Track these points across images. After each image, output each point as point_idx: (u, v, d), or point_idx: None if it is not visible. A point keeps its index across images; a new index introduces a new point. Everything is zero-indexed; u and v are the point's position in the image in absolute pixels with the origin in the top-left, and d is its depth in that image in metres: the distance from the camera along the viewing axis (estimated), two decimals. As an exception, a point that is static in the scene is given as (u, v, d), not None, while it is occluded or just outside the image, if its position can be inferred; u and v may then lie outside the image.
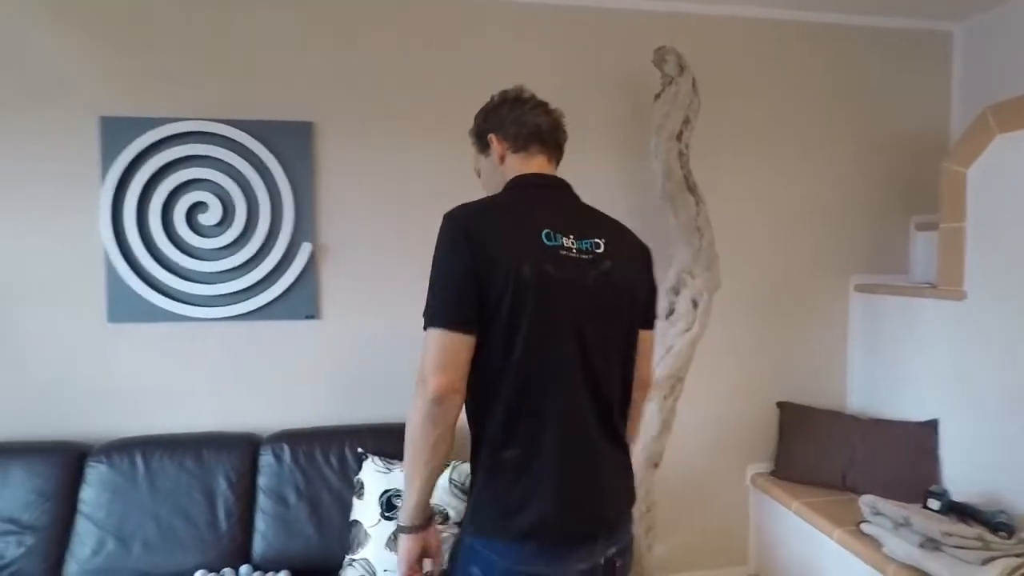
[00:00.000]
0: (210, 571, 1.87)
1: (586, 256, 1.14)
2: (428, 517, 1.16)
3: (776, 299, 2.52)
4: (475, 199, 1.20)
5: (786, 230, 2.51)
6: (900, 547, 1.83)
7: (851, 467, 2.31)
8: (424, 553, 1.16)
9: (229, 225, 2.13)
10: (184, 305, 2.12)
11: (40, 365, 2.09)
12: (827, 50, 2.51)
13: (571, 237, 1.14)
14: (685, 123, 2.08)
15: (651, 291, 1.30)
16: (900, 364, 2.38)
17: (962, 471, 2.14)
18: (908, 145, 2.57)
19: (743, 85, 2.45)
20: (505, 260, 1.07)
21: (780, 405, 2.52)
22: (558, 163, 1.31)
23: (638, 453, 2.16)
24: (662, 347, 2.12)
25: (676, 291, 2.12)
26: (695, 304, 2.10)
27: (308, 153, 2.18)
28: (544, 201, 1.21)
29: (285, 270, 2.16)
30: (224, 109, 2.14)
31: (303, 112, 2.18)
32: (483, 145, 1.29)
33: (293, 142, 2.16)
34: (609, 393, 1.17)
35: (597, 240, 1.17)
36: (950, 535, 1.75)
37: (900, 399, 2.38)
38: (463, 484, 1.84)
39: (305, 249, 2.16)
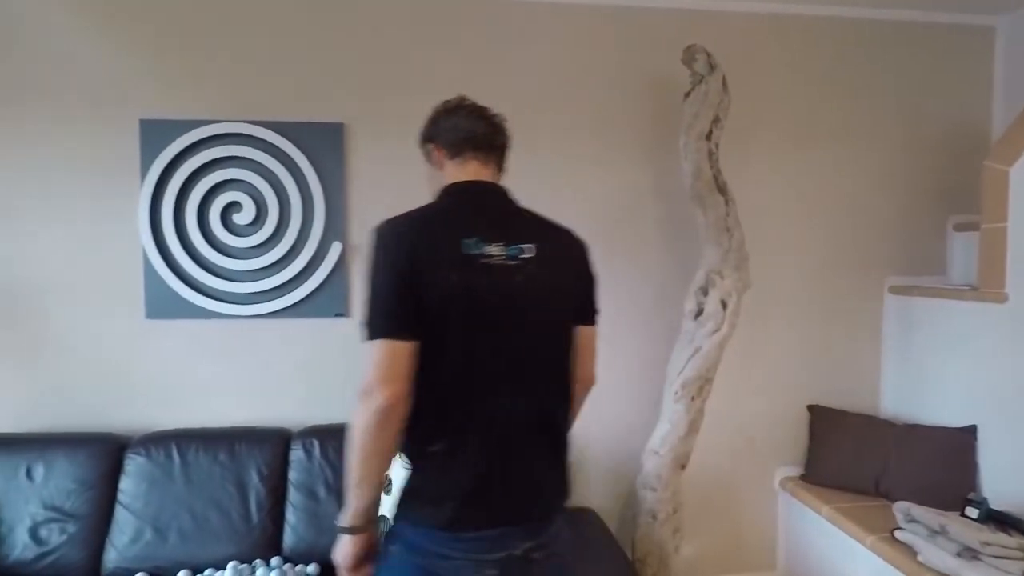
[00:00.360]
0: (242, 562, 1.92)
1: (512, 261, 1.16)
2: (370, 520, 1.21)
3: (808, 300, 2.48)
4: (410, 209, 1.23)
5: (819, 230, 2.47)
6: (936, 556, 1.78)
7: (885, 473, 2.26)
8: (365, 555, 1.20)
9: (262, 224, 2.18)
10: (218, 302, 2.17)
11: (81, 360, 2.16)
12: (862, 46, 2.46)
13: (498, 243, 1.16)
14: (715, 122, 2.06)
15: (587, 288, 1.31)
16: (936, 368, 2.32)
17: (1002, 479, 2.07)
18: (947, 143, 2.50)
19: (775, 83, 2.42)
20: (432, 268, 1.11)
21: (810, 408, 2.48)
22: (500, 167, 1.30)
23: (666, 454, 2.15)
24: (690, 347, 2.11)
25: (704, 291, 2.10)
26: (724, 305, 2.08)
27: (339, 154, 2.21)
28: (472, 207, 1.23)
29: (316, 269, 2.20)
30: (258, 111, 2.19)
31: (334, 113, 2.22)
32: (426, 154, 1.33)
33: (324, 143, 2.20)
34: (541, 392, 1.20)
35: (524, 245, 1.18)
36: (989, 544, 1.70)
37: (936, 404, 2.32)
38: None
39: (335, 248, 2.20)
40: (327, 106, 2.22)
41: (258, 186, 2.18)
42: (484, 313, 1.14)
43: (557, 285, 1.22)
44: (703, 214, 2.11)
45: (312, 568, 1.94)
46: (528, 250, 1.18)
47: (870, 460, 2.31)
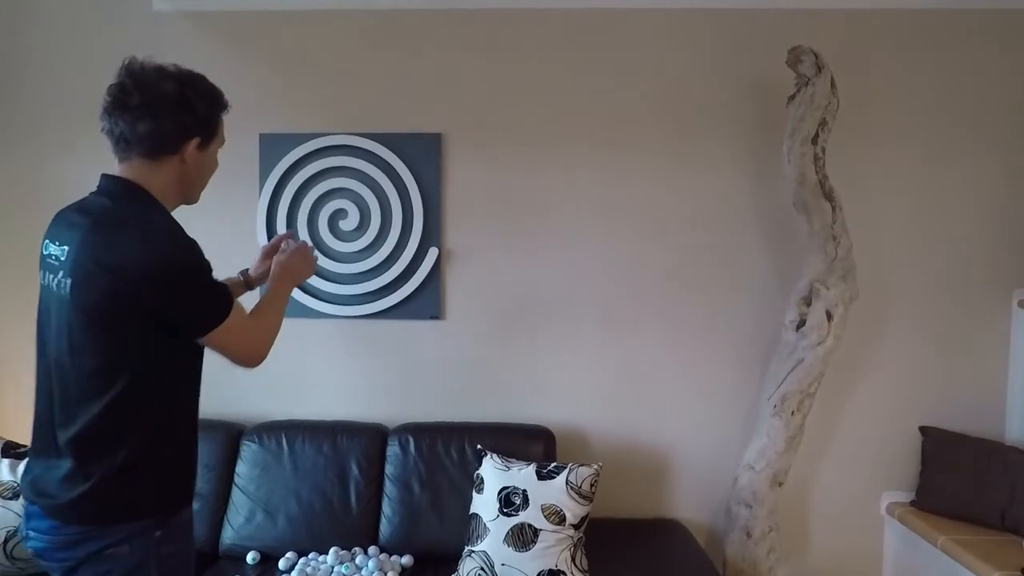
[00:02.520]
0: (342, 548, 2.03)
1: (54, 262, 1.14)
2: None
3: (923, 313, 2.30)
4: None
5: (937, 238, 2.29)
6: (1077, 600, 1.61)
7: (1012, 504, 2.06)
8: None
9: (365, 230, 2.31)
10: (324, 303, 2.32)
11: (206, 354, 2.36)
12: (986, 38, 2.26)
13: (57, 243, 1.15)
14: (822, 125, 1.97)
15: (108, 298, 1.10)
16: (1077, 392, 2.09)
17: None
18: (1090, 142, 2.26)
19: (888, 82, 2.27)
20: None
21: (924, 430, 2.30)
22: (156, 158, 1.17)
23: (762, 469, 2.07)
24: (791, 360, 2.02)
25: (808, 302, 2.01)
26: (829, 316, 1.98)
27: (437, 163, 2.30)
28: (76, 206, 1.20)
29: (413, 273, 2.30)
30: (363, 123, 2.32)
31: (433, 124, 2.32)
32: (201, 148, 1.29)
33: (423, 152, 2.30)
34: (62, 399, 1.14)
35: (64, 246, 1.13)
36: None
37: (1076, 431, 2.09)
38: (579, 486, 1.86)
39: (432, 253, 2.29)
40: (426, 117, 2.32)
41: (362, 194, 2.31)
42: (41, 317, 1.23)
43: (79, 291, 1.13)
44: (807, 221, 2.02)
45: (407, 559, 2.03)
46: (64, 252, 1.13)
47: (994, 489, 2.11)
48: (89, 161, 2.34)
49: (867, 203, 2.24)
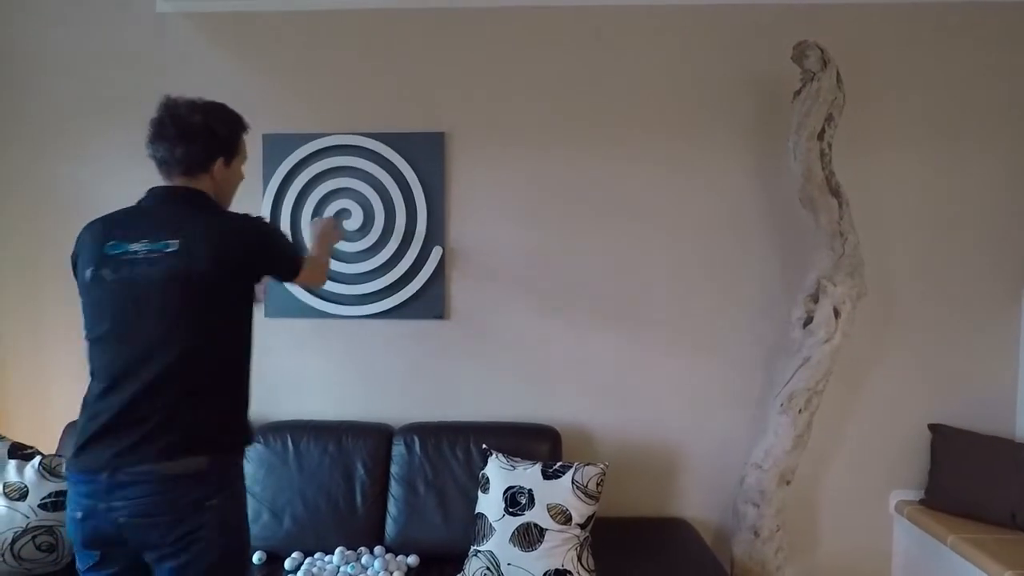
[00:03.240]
0: (348, 548, 2.03)
1: (136, 256, 1.31)
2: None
3: (931, 310, 2.28)
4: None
5: (945, 233, 2.27)
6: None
7: (1023, 504, 2.04)
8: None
9: (368, 230, 2.30)
10: (329, 303, 2.31)
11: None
12: (995, 32, 2.24)
13: (138, 241, 1.32)
14: (828, 120, 1.96)
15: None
16: (1088, 388, 2.07)
17: None
18: (1100, 136, 2.23)
19: (894, 76, 2.25)
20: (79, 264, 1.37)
21: (933, 427, 2.28)
22: (195, 174, 1.43)
23: (770, 468, 2.06)
24: (798, 357, 2.01)
25: (815, 299, 1.99)
26: (836, 313, 1.96)
27: (439, 161, 2.30)
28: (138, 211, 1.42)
29: (417, 272, 2.29)
30: (365, 123, 2.31)
31: (435, 123, 2.31)
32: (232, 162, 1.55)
33: (426, 151, 2.30)
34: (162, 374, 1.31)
35: (149, 241, 1.33)
36: None
37: (1088, 429, 2.07)
38: (585, 486, 1.85)
39: (436, 253, 2.29)
40: (428, 116, 2.31)
41: (365, 194, 2.30)
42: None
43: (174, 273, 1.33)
44: (814, 218, 2.01)
45: (412, 559, 2.03)
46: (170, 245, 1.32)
47: (1005, 488, 2.09)
48: (97, 159, 2.37)
49: (874, 199, 2.22)
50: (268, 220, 1.54)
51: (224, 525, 1.34)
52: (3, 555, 1.82)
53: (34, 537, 1.85)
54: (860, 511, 2.33)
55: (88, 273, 1.33)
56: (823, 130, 1.96)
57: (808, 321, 2.01)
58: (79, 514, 1.29)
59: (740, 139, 2.27)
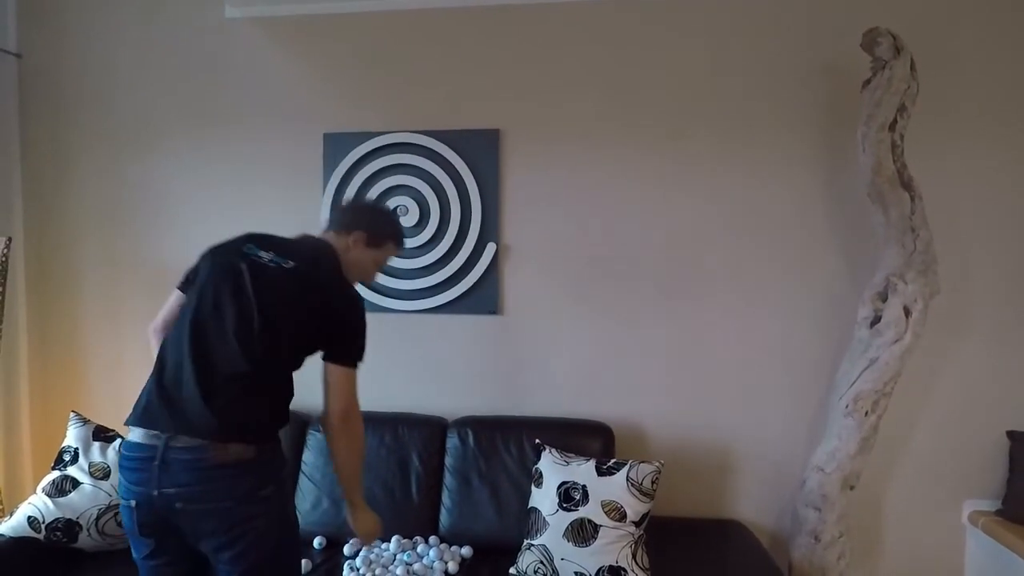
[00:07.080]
0: (404, 537, 2.08)
1: (269, 263, 1.46)
2: None
3: (1010, 310, 2.15)
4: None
5: (1023, 229, 2.14)
6: None
7: (1114, 517, 1.91)
8: None
9: (425, 226, 2.35)
10: (386, 298, 2.37)
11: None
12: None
13: (271, 252, 1.48)
14: (900, 111, 1.87)
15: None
16: None
17: None
18: None
19: (973, 65, 2.13)
20: None
21: (1012, 435, 2.15)
22: (339, 231, 1.62)
23: (832, 472, 1.99)
24: (865, 358, 1.93)
25: (883, 297, 1.91)
26: (907, 312, 1.88)
27: (494, 158, 2.32)
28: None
29: (472, 268, 2.32)
30: (422, 121, 2.36)
31: (490, 120, 2.33)
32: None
33: (481, 148, 2.32)
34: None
35: (278, 257, 1.47)
36: None
37: None
38: (640, 483, 1.84)
39: (490, 249, 2.31)
40: (484, 114, 2.34)
41: (421, 191, 2.35)
42: None
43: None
44: (883, 213, 1.92)
45: (466, 550, 2.05)
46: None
47: (1093, 500, 1.96)
48: (168, 162, 2.50)
49: (949, 193, 2.11)
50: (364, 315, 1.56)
51: (279, 515, 1.41)
52: (89, 530, 1.96)
53: (115, 515, 1.98)
54: (930, 520, 2.23)
55: (219, 260, 1.46)
56: (895, 120, 1.88)
57: (876, 320, 1.93)
58: (133, 502, 1.32)
59: (805, 130, 2.20)
